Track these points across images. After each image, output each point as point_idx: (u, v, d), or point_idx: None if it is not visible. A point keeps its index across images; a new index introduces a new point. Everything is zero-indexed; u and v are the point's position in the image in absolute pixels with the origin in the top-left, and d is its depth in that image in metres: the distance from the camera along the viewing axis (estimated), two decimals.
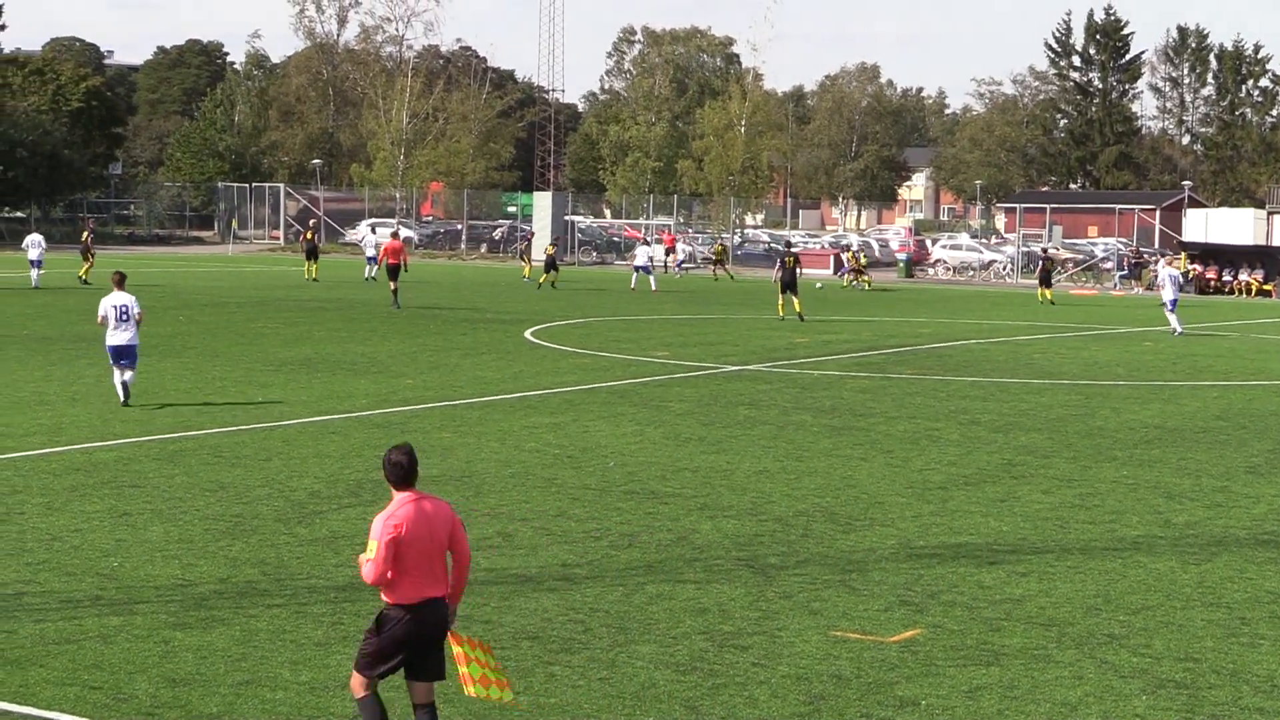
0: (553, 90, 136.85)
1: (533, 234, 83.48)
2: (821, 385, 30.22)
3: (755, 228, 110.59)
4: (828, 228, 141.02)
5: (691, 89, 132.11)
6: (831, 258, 77.80)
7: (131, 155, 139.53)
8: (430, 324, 42.21)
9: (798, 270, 48.18)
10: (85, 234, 60.80)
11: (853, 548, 16.02)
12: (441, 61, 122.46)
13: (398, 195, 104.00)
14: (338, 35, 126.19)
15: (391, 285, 48.34)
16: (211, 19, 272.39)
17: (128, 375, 25.22)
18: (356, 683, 9.66)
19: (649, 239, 79.82)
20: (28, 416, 23.51)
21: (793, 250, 51.47)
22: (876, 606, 13.72)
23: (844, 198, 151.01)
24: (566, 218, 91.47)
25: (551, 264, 63.80)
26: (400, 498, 9.50)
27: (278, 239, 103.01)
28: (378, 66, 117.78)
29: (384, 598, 9.52)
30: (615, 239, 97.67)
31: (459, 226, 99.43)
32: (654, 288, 61.43)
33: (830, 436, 23.52)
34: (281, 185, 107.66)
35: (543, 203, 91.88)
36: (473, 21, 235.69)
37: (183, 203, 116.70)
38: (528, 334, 39.71)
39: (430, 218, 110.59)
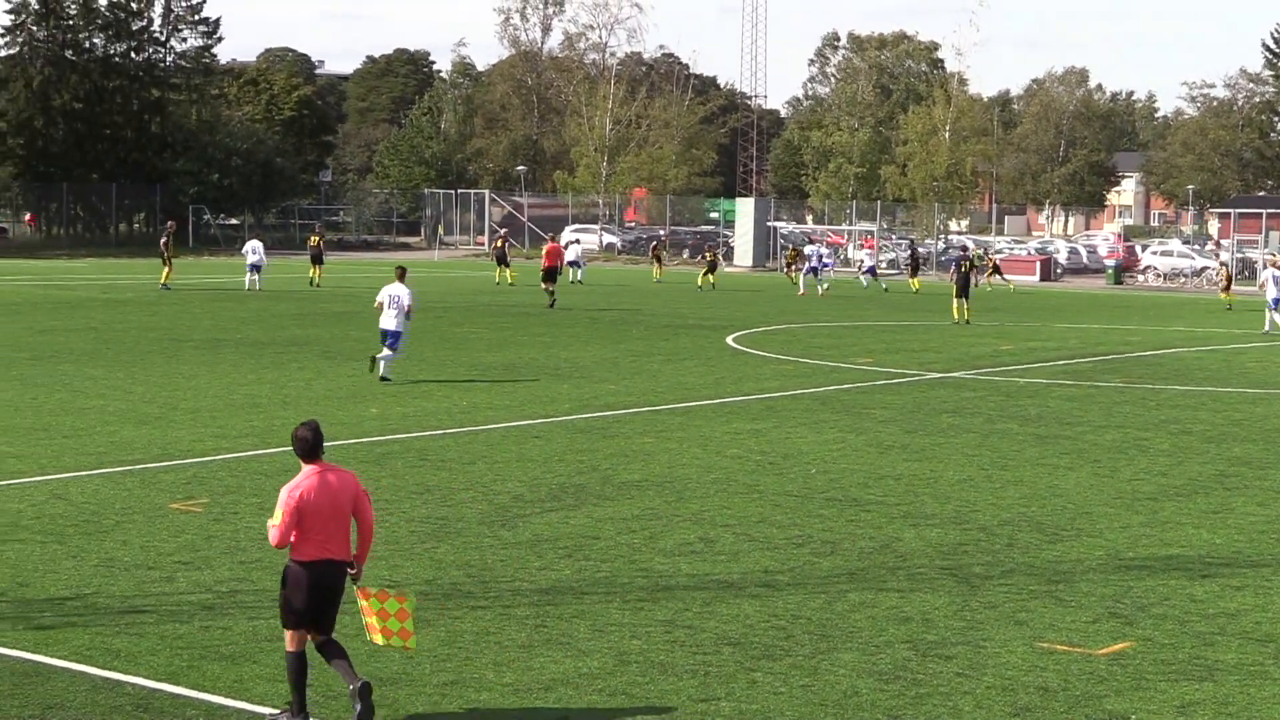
0: (755, 96, 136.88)
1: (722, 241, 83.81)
2: (1027, 393, 29.79)
3: (959, 234, 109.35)
4: (1034, 234, 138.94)
5: (896, 94, 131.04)
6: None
7: (341, 162, 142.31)
8: (632, 329, 42.41)
9: (972, 276, 48.85)
10: (316, 239, 61.96)
11: (1059, 558, 15.75)
12: (644, 68, 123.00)
13: (600, 201, 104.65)
14: (542, 43, 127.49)
15: (546, 287, 49.75)
16: (419, 29, 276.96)
17: (385, 354, 29.10)
18: (288, 639, 10.54)
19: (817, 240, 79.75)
20: (241, 419, 24.05)
21: (967, 255, 51.42)
22: (1084, 618, 13.48)
23: (1051, 203, 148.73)
24: (769, 224, 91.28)
25: (713, 266, 66.38)
26: (306, 470, 10.47)
27: (482, 245, 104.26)
28: (581, 73, 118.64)
29: (290, 557, 10.47)
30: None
31: (661, 232, 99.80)
32: (803, 291, 60.98)
33: (1036, 445, 23.17)
34: (486, 191, 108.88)
35: (745, 209, 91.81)
36: (675, 28, 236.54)
37: (390, 209, 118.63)
38: (730, 340, 39.71)
39: (633, 224, 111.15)
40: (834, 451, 22.16)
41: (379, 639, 10.72)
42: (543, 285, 50.21)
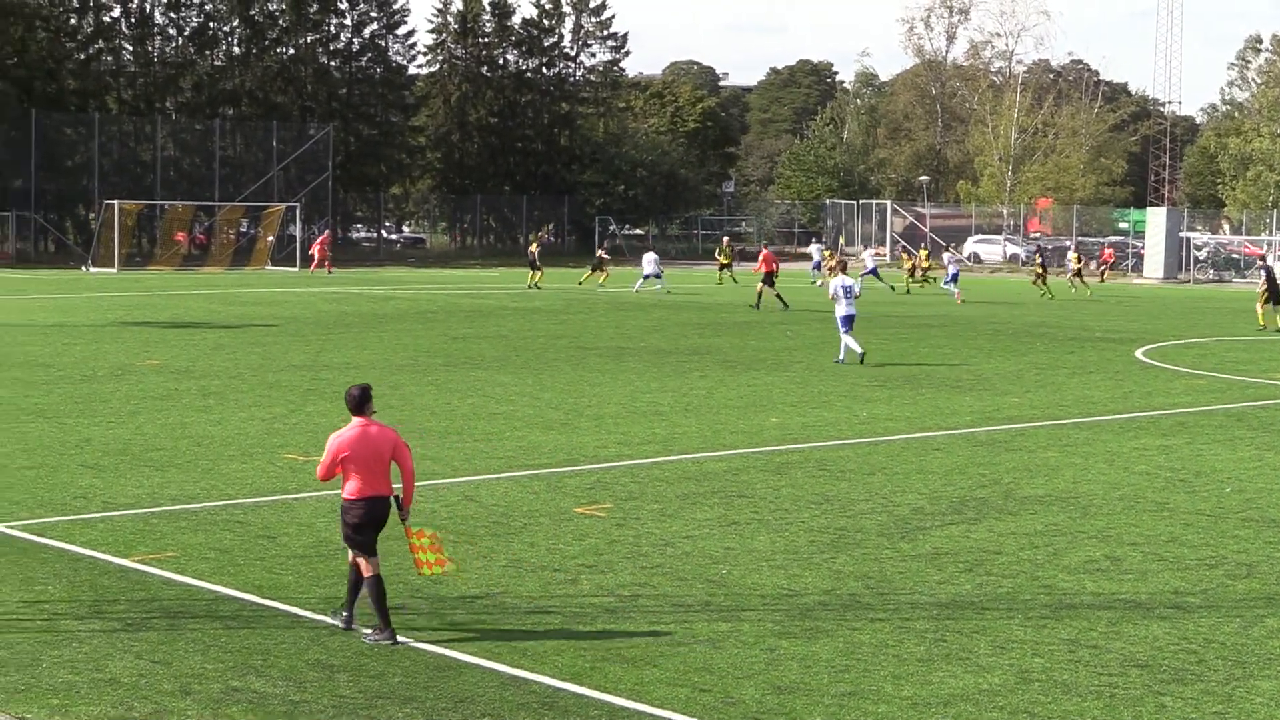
0: (1168, 103, 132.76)
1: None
2: None
3: None
4: None
5: None
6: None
7: (743, 173, 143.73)
8: (1037, 342, 41.60)
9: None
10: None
11: None
12: (1051, 75, 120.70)
13: (1004, 211, 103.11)
14: (946, 52, 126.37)
15: (772, 293, 52.13)
16: (822, 40, 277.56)
17: (848, 339, 34.07)
18: (362, 563, 12.49)
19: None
20: (644, 426, 24.44)
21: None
22: None
23: None
24: (1181, 234, 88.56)
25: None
26: (352, 423, 12.61)
27: (883, 255, 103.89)
28: (986, 82, 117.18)
29: (342, 495, 12.57)
30: (1234, 256, 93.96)
31: (1067, 243, 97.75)
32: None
33: None
34: (888, 202, 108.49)
35: (1155, 219, 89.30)
36: (1084, 34, 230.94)
37: (791, 219, 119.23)
38: (1138, 353, 38.60)
39: (1038, 234, 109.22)
40: (1250, 470, 21.30)
41: (425, 571, 12.80)
42: (766, 290, 51.98)
